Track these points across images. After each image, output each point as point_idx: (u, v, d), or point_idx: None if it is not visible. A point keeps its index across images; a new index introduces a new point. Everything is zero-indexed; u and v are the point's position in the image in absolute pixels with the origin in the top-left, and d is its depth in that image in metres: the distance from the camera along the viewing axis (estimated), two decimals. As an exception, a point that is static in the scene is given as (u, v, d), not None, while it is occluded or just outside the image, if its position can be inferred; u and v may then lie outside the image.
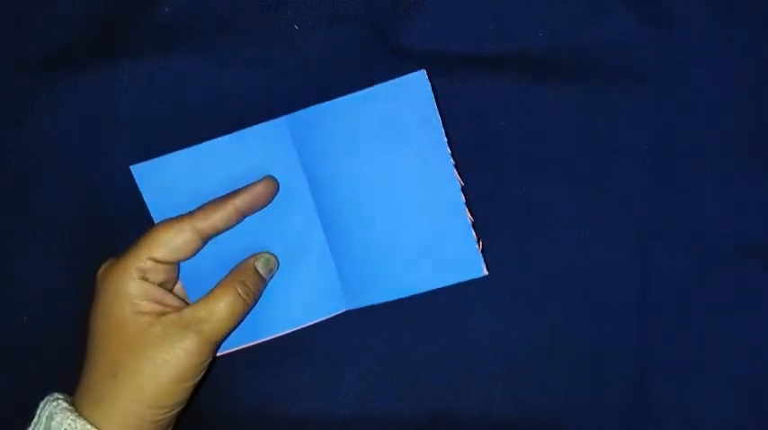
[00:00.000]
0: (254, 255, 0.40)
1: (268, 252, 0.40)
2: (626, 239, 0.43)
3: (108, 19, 0.44)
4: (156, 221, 0.39)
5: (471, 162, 0.42)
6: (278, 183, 0.40)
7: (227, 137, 0.40)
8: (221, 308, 0.37)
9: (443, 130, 0.39)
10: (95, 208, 0.43)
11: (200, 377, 0.37)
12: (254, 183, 0.39)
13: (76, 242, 0.43)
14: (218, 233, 0.38)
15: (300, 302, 0.41)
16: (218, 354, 0.40)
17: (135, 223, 0.43)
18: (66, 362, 0.43)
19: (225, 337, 0.38)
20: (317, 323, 0.42)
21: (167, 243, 0.37)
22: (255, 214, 0.39)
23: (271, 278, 0.40)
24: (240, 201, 0.38)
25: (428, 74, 0.39)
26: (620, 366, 0.43)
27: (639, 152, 0.44)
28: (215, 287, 0.38)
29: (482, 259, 0.40)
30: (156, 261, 0.37)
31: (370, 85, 0.42)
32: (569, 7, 0.44)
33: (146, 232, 0.37)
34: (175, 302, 0.38)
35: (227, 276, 0.38)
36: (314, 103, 0.41)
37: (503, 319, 0.43)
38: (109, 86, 0.43)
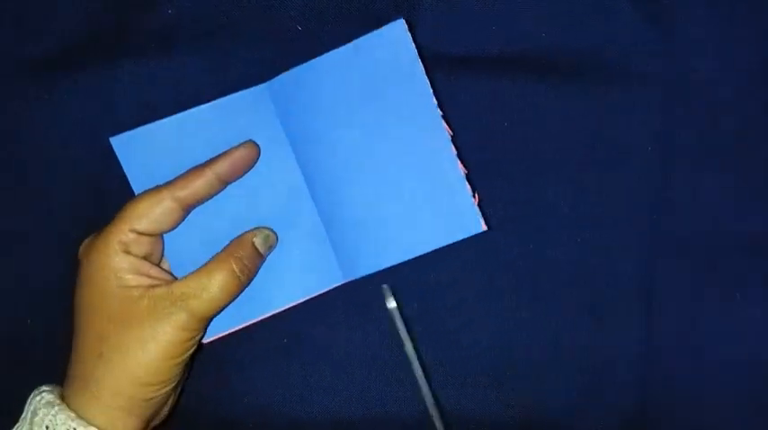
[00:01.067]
0: (253, 229, 0.38)
1: (267, 228, 0.39)
2: (627, 239, 0.44)
3: (109, 19, 0.44)
4: (136, 193, 0.38)
5: (472, 162, 0.42)
6: (259, 148, 0.38)
7: (207, 105, 0.38)
8: (214, 284, 0.35)
9: (428, 80, 0.37)
10: (95, 208, 0.43)
11: (188, 353, 0.36)
12: (233, 148, 0.38)
13: (76, 243, 0.43)
14: (199, 202, 0.37)
15: (293, 277, 0.39)
16: (207, 340, 0.39)
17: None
18: (67, 363, 0.43)
19: (215, 314, 0.36)
20: (317, 324, 0.42)
21: (148, 214, 0.36)
22: (240, 185, 0.38)
23: (268, 255, 0.39)
24: (220, 167, 0.37)
25: (429, 74, 0.38)
26: (621, 367, 0.43)
27: (641, 152, 0.44)
28: (209, 261, 0.36)
29: (479, 213, 0.37)
30: (138, 233, 0.36)
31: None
32: (572, 7, 0.44)
33: (125, 204, 0.36)
34: (163, 275, 0.37)
35: (222, 250, 0.37)
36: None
37: (503, 320, 0.44)
38: (110, 87, 0.43)
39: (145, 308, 0.35)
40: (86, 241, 0.37)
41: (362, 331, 0.44)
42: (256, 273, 0.38)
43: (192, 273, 0.36)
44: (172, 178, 0.37)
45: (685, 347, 0.43)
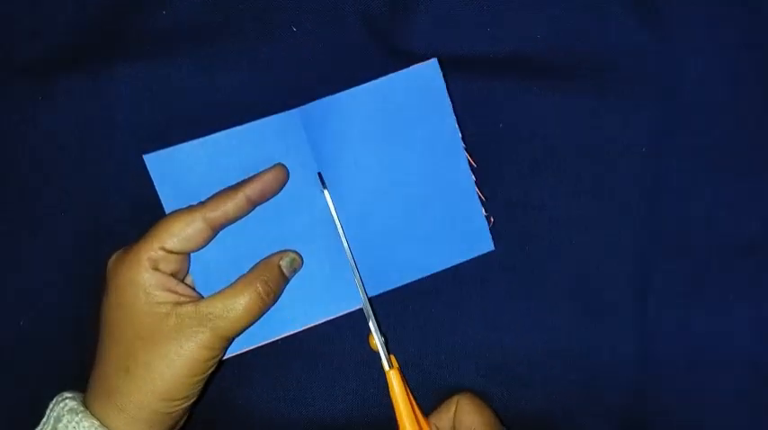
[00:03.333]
0: (280, 252, 0.39)
1: (294, 251, 0.40)
2: (624, 240, 0.43)
3: (106, 22, 0.44)
4: (166, 211, 0.39)
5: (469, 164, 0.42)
6: (287, 171, 0.39)
7: (239, 128, 0.40)
8: (239, 305, 0.36)
9: (454, 117, 0.41)
10: (94, 209, 0.44)
11: (210, 370, 0.37)
12: (263, 172, 0.39)
13: (75, 244, 0.43)
14: (229, 223, 0.38)
15: (312, 299, 0.41)
16: (227, 356, 0.39)
17: (134, 224, 0.43)
18: (67, 364, 0.43)
19: (239, 334, 0.37)
20: (319, 327, 0.42)
21: (178, 233, 0.36)
22: (266, 207, 0.39)
23: (293, 275, 0.40)
24: (250, 190, 0.38)
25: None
26: (618, 368, 0.43)
27: (638, 153, 0.44)
28: (236, 282, 0.37)
29: (489, 234, 0.41)
30: (168, 251, 0.36)
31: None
32: (568, 9, 0.44)
33: (157, 222, 0.37)
34: (189, 292, 0.37)
35: (249, 272, 0.38)
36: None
37: (501, 322, 0.43)
38: (107, 89, 0.43)
39: (172, 325, 0.35)
40: (115, 255, 0.38)
41: (364, 336, 0.44)
42: (281, 295, 0.39)
43: (219, 292, 0.37)
44: (201, 197, 0.38)
45: (681, 348, 0.43)
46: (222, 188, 0.38)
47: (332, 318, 0.41)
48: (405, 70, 0.40)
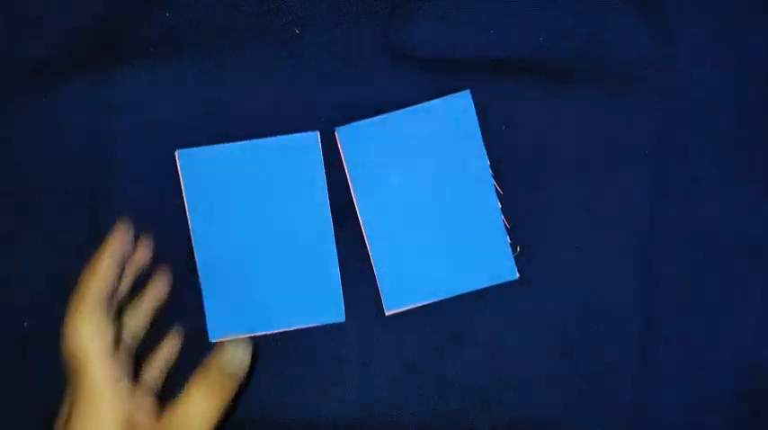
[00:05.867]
0: (223, 344, 0.37)
1: (241, 339, 0.38)
2: (626, 241, 0.43)
3: (108, 23, 0.44)
4: (187, 207, 0.42)
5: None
6: (128, 222, 0.41)
7: (264, 140, 0.43)
8: (195, 408, 0.35)
9: (484, 148, 0.43)
10: (94, 210, 0.44)
11: None
12: (114, 230, 0.39)
13: (75, 246, 0.43)
14: (115, 288, 0.38)
15: (301, 306, 0.43)
16: (214, 340, 0.41)
17: (134, 223, 0.43)
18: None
19: None
20: (318, 328, 0.42)
21: (98, 324, 0.36)
22: (274, 219, 0.42)
23: (245, 362, 0.37)
24: (112, 248, 0.38)
25: (426, 79, 0.42)
26: (622, 368, 0.43)
27: (640, 154, 0.44)
28: (186, 387, 0.36)
29: (513, 263, 0.42)
30: (107, 348, 0.36)
31: (371, 89, 0.43)
32: (569, 11, 0.44)
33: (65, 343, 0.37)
34: (148, 397, 0.37)
35: (197, 373, 0.37)
36: (314, 107, 0.42)
37: (503, 323, 0.43)
38: (108, 90, 0.44)
39: None
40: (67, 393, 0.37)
41: (364, 337, 0.44)
42: (239, 382, 0.37)
43: (174, 401, 0.36)
44: (221, 197, 0.42)
45: (682, 348, 0.43)
46: (240, 192, 0.42)
47: (313, 325, 0.43)
48: (439, 100, 0.43)
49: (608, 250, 0.44)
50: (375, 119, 0.43)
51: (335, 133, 0.43)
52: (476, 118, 0.43)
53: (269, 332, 0.43)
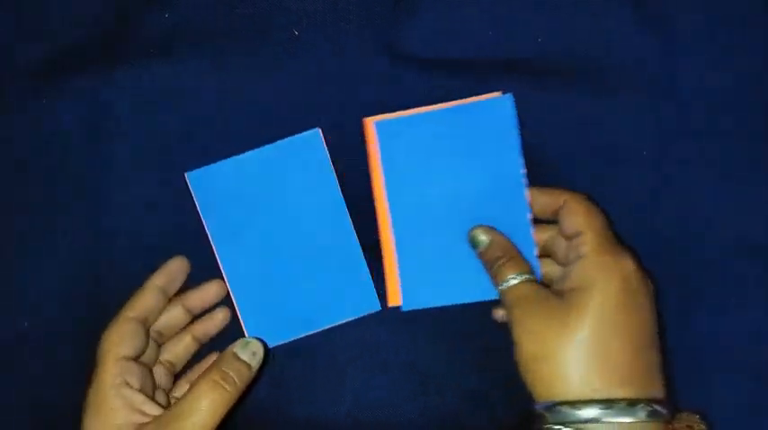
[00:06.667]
0: (236, 342, 0.39)
1: (253, 337, 0.39)
2: (625, 241, 0.43)
3: (108, 24, 0.44)
4: (206, 227, 0.42)
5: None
6: (187, 261, 0.42)
7: (270, 146, 0.42)
8: (202, 402, 0.35)
9: (521, 154, 0.42)
10: (96, 211, 0.44)
11: None
12: (169, 262, 0.42)
13: (75, 245, 0.43)
14: (153, 315, 0.40)
15: (335, 302, 0.43)
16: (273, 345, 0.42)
17: (134, 225, 0.43)
18: (67, 364, 0.43)
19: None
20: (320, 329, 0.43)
21: (122, 338, 0.38)
22: (293, 222, 0.42)
23: (258, 361, 0.38)
24: (158, 280, 0.40)
25: (426, 79, 0.41)
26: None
27: (639, 155, 0.44)
28: (195, 382, 0.36)
29: (540, 272, 0.41)
30: (126, 359, 0.37)
31: (371, 89, 0.43)
32: (568, 12, 0.44)
33: (100, 343, 0.38)
34: (155, 411, 0.37)
35: (207, 369, 0.37)
36: (314, 107, 0.42)
37: (504, 323, 0.43)
38: (109, 91, 0.44)
39: None
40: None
41: (364, 337, 0.44)
42: (249, 382, 0.38)
43: (180, 397, 0.36)
44: (238, 212, 0.42)
45: (681, 349, 0.43)
46: (256, 203, 0.42)
47: (350, 319, 0.43)
48: (480, 100, 0.42)
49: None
50: (413, 115, 0.42)
51: (374, 126, 0.42)
52: (515, 122, 0.42)
53: (309, 333, 0.42)
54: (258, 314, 0.42)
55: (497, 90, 0.43)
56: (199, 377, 0.36)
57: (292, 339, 0.42)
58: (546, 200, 0.40)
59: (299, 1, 0.44)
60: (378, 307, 0.43)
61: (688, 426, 0.35)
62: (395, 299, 0.42)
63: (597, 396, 0.33)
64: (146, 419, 0.36)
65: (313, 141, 0.43)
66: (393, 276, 0.42)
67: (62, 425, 0.42)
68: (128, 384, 0.37)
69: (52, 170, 0.44)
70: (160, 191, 0.44)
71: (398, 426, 0.43)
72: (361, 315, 0.43)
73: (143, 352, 0.39)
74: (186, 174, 0.42)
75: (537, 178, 0.44)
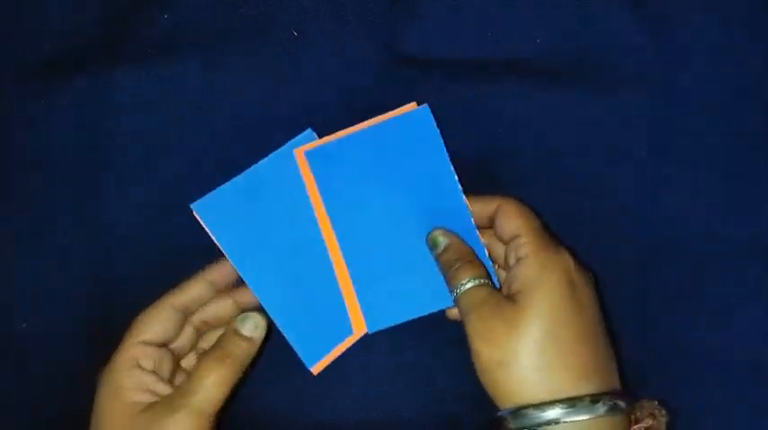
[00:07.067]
0: (236, 317, 0.39)
1: (254, 311, 0.39)
2: (624, 241, 0.44)
3: (107, 25, 0.44)
4: (226, 253, 0.40)
5: (469, 168, 0.42)
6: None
7: (266, 160, 0.42)
8: (208, 379, 0.36)
9: (450, 162, 0.41)
10: (95, 211, 0.44)
11: None
12: (226, 260, 0.40)
13: (75, 245, 0.43)
14: (197, 306, 0.39)
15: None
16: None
17: (134, 225, 0.43)
18: (67, 364, 0.43)
19: (219, 406, 0.36)
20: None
21: (152, 323, 0.37)
22: (311, 228, 0.41)
23: (261, 334, 0.39)
24: (212, 276, 0.40)
25: (426, 80, 0.41)
26: (621, 368, 0.43)
27: (638, 154, 0.44)
28: (199, 360, 0.37)
29: (496, 278, 0.40)
30: (146, 343, 0.37)
31: (371, 89, 0.44)
32: (567, 12, 0.44)
33: (131, 321, 0.38)
34: (166, 391, 0.37)
35: (211, 347, 0.38)
36: (314, 107, 0.42)
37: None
38: (108, 92, 0.44)
39: (146, 419, 0.35)
40: (103, 369, 0.38)
41: (366, 339, 0.43)
42: (252, 355, 0.38)
43: (188, 376, 0.37)
44: (251, 231, 0.41)
45: (681, 348, 0.43)
46: (265, 219, 0.41)
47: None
48: (398, 116, 0.42)
49: (605, 250, 0.43)
50: (340, 139, 0.42)
51: (303, 155, 0.41)
52: (437, 132, 0.41)
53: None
54: (300, 329, 0.41)
55: (497, 90, 0.43)
56: (203, 355, 0.37)
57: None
58: (479, 207, 0.40)
59: (299, 1, 0.44)
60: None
61: (650, 414, 0.35)
62: (359, 326, 0.41)
63: (561, 395, 0.33)
64: (155, 398, 0.36)
65: (308, 142, 0.42)
66: (353, 304, 0.41)
67: (62, 425, 0.42)
68: (140, 366, 0.37)
69: (52, 170, 0.44)
70: (160, 191, 0.44)
71: (397, 426, 0.43)
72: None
73: (172, 338, 0.39)
74: (192, 206, 0.41)
75: (537, 178, 0.44)
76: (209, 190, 0.41)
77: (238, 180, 0.41)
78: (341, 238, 0.41)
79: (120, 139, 0.44)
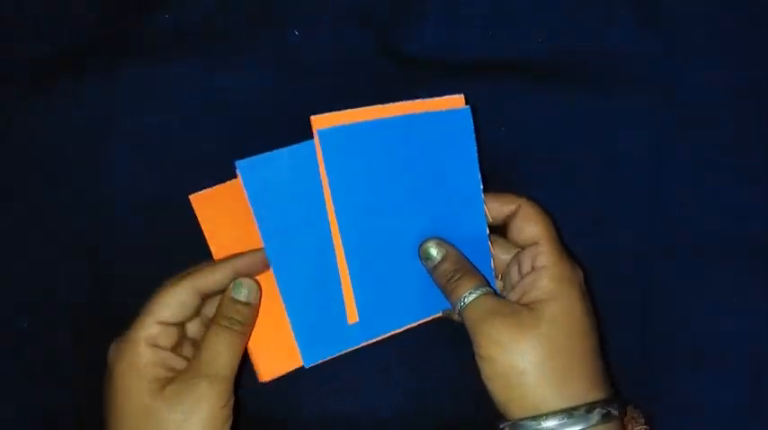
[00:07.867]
0: (229, 286, 0.39)
1: (247, 279, 0.39)
2: (626, 241, 0.44)
3: (108, 24, 0.44)
4: (255, 217, 0.38)
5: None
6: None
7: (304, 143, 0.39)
8: (220, 345, 0.37)
9: (479, 168, 0.40)
10: (95, 210, 0.44)
11: (228, 425, 0.36)
12: (257, 251, 0.39)
13: (76, 244, 0.43)
14: (218, 290, 0.38)
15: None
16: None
17: (134, 225, 0.43)
18: (67, 364, 0.43)
19: (233, 372, 0.37)
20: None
21: (171, 302, 0.37)
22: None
23: (256, 297, 0.39)
24: (240, 264, 0.39)
25: (426, 80, 0.40)
26: (622, 367, 0.43)
27: (640, 155, 0.44)
28: (206, 333, 0.37)
29: (497, 289, 0.40)
30: (164, 323, 0.37)
31: (371, 89, 0.43)
32: (570, 13, 0.44)
33: (149, 298, 0.37)
34: (183, 365, 0.37)
35: (212, 318, 0.38)
36: (314, 108, 0.41)
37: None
38: (109, 91, 0.44)
39: (169, 393, 0.35)
40: (114, 342, 0.37)
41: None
42: (254, 317, 0.39)
43: (199, 349, 0.37)
44: (286, 205, 0.38)
45: (682, 348, 0.43)
46: (304, 196, 0.38)
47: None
48: (436, 112, 0.39)
49: (607, 250, 0.44)
50: (363, 123, 0.38)
51: (317, 136, 0.38)
52: (473, 136, 0.39)
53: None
54: (310, 326, 0.40)
55: (497, 90, 0.43)
56: (210, 325, 0.37)
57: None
58: (497, 205, 0.40)
59: (299, 1, 0.45)
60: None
61: (631, 420, 0.37)
62: (353, 316, 0.40)
63: (574, 402, 0.34)
64: (171, 373, 0.36)
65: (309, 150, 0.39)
66: (350, 300, 0.40)
67: (62, 425, 0.42)
68: (156, 345, 0.37)
69: (52, 170, 0.44)
70: (160, 191, 0.44)
71: (396, 424, 0.43)
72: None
73: (189, 318, 0.38)
74: (237, 163, 0.37)
75: (537, 178, 0.44)
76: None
77: (287, 151, 0.38)
78: (343, 231, 0.39)
79: (120, 139, 0.44)
